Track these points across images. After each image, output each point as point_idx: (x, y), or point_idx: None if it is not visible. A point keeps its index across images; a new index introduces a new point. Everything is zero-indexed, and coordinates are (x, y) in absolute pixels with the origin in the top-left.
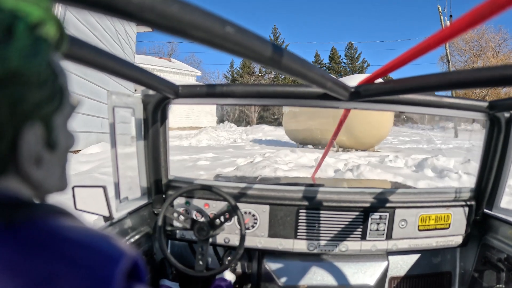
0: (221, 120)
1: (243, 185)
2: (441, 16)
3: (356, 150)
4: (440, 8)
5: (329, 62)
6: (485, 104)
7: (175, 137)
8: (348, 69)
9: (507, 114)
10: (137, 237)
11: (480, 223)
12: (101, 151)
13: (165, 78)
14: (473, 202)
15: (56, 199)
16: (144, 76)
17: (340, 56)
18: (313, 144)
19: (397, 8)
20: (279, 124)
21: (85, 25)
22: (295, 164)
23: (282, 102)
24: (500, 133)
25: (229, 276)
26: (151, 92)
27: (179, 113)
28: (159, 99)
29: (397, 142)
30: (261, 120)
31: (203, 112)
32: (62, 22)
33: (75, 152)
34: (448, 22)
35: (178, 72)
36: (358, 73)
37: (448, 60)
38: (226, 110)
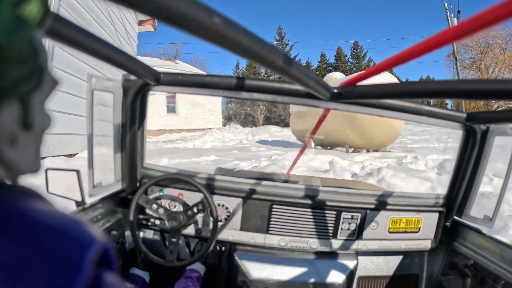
0: (227, 122)
1: (218, 177)
2: (448, 13)
3: (368, 150)
4: (446, 5)
5: (335, 61)
6: (463, 115)
7: (181, 139)
8: (354, 68)
9: (483, 127)
10: (108, 224)
11: (450, 229)
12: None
13: (147, 64)
14: (443, 209)
15: (28, 181)
16: (126, 60)
17: (346, 55)
18: (321, 145)
19: (402, 6)
20: (286, 125)
21: (82, 24)
22: (306, 168)
23: (264, 97)
24: (475, 144)
25: (199, 267)
26: (132, 77)
27: (185, 114)
28: (140, 85)
29: (407, 141)
30: (267, 121)
31: (209, 114)
32: None
33: (70, 156)
34: (455, 19)
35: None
36: None
37: (456, 58)
38: (232, 112)
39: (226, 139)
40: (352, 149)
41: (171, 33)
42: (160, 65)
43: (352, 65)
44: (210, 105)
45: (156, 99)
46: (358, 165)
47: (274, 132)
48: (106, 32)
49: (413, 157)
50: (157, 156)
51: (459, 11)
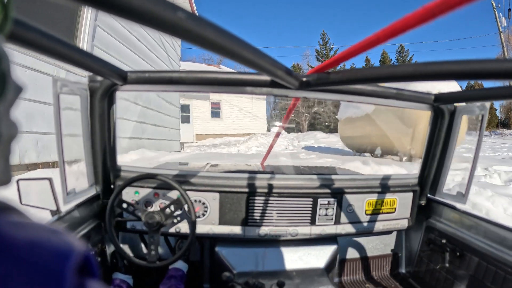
0: (272, 127)
1: (192, 172)
2: (496, 12)
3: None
4: (494, 4)
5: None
6: (431, 96)
7: (224, 143)
8: None
9: (450, 107)
10: (86, 230)
11: (424, 207)
12: (139, 158)
13: (112, 63)
14: (417, 188)
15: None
16: (90, 60)
17: (391, 59)
18: (371, 152)
19: None
20: (331, 131)
21: (125, 27)
22: None
23: (233, 89)
24: (443, 124)
25: (182, 265)
26: (98, 78)
27: (230, 119)
28: (106, 86)
29: (460, 150)
30: (311, 127)
31: (253, 119)
32: (6, 2)
33: None
34: (504, 18)
35: None
36: None
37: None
38: (277, 118)
39: None
40: (406, 158)
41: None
42: (204, 70)
43: None
44: (255, 111)
45: (201, 104)
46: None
47: (320, 138)
48: (148, 34)
49: (483, 169)
50: (201, 161)
51: (510, 9)
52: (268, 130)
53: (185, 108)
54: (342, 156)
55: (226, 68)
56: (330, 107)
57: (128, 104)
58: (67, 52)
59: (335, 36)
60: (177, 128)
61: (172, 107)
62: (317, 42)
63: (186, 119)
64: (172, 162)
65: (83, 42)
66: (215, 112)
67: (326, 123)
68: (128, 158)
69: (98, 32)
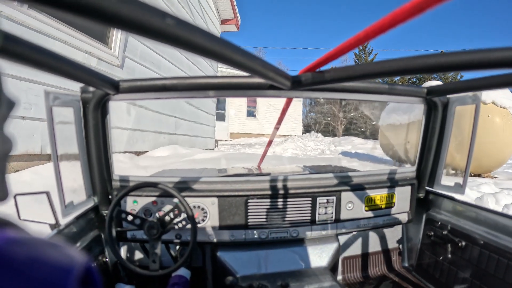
0: (306, 130)
1: (189, 179)
2: None
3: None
4: None
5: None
6: (423, 90)
7: (259, 143)
8: (439, 79)
9: (443, 99)
10: (87, 242)
11: (423, 200)
12: (170, 154)
13: (103, 73)
14: (415, 181)
15: None
16: (82, 72)
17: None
18: (412, 164)
19: (488, 12)
20: (366, 137)
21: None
22: None
23: (226, 93)
24: (437, 116)
25: (185, 272)
26: (91, 88)
27: (265, 119)
28: (99, 96)
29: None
30: (346, 132)
31: (289, 120)
32: None
33: (138, 153)
34: None
35: None
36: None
37: None
38: (312, 121)
39: (307, 147)
40: (454, 172)
41: (255, 35)
42: (198, 75)
43: (437, 76)
44: (291, 112)
45: (236, 102)
46: (490, 199)
47: (358, 144)
48: None
49: None
50: (235, 162)
51: None
52: (303, 132)
53: (220, 106)
54: (384, 165)
55: None
56: (366, 113)
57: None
58: (58, 65)
59: (375, 41)
60: (212, 125)
61: (209, 101)
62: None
63: (221, 117)
64: (168, 170)
65: (115, 50)
66: (251, 111)
67: (362, 129)
68: (158, 154)
69: (130, 42)
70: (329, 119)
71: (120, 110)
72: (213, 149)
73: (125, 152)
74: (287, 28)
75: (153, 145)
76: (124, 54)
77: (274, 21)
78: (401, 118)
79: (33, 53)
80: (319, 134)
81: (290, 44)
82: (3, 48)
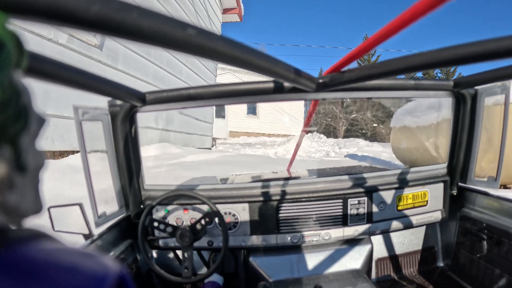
0: (308, 130)
1: (219, 186)
2: None
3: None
4: None
5: (422, 75)
6: (450, 83)
7: (260, 143)
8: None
9: (471, 91)
10: (120, 251)
11: (457, 197)
12: (158, 154)
13: (129, 86)
14: (447, 178)
15: (33, 222)
16: (109, 86)
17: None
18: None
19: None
20: (367, 139)
21: (164, 5)
22: None
23: (252, 99)
24: (466, 109)
25: (217, 278)
26: (118, 102)
27: (267, 118)
28: (126, 109)
29: None
30: (347, 133)
31: (291, 120)
32: (21, 37)
33: None
34: None
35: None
36: None
37: None
38: (313, 121)
39: (311, 149)
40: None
41: (257, 26)
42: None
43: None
44: (293, 111)
45: None
46: None
47: (364, 146)
48: (187, 15)
49: None
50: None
51: None
52: (306, 133)
53: None
54: (397, 169)
55: None
56: (368, 115)
57: (144, 85)
58: (84, 81)
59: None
60: (209, 122)
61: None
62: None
63: (220, 114)
64: (198, 177)
65: None
66: (252, 108)
67: (363, 131)
68: (143, 154)
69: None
70: (329, 119)
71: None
72: (210, 149)
73: (96, 151)
74: (292, 23)
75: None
76: None
77: (280, 14)
78: (418, 120)
79: (60, 71)
80: (322, 135)
81: (294, 40)
82: (30, 68)
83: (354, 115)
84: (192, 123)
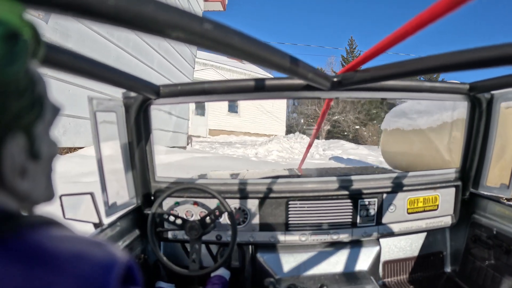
0: (289, 131)
1: (231, 181)
2: None
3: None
4: None
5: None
6: (465, 86)
7: (240, 142)
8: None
9: (487, 95)
10: (128, 241)
11: (468, 203)
12: (113, 154)
13: (144, 79)
14: (459, 182)
15: (45, 209)
16: (124, 78)
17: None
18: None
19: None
20: (349, 141)
21: None
22: None
23: (265, 95)
24: (482, 114)
25: (224, 272)
26: (132, 94)
27: (248, 117)
28: (141, 101)
29: None
30: (329, 135)
31: (273, 120)
32: (38, 28)
33: (67, 150)
34: None
35: (250, 74)
36: None
37: None
38: (295, 121)
39: (294, 150)
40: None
41: (242, 17)
42: (225, 64)
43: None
44: (275, 111)
45: None
46: None
47: (349, 149)
48: None
49: None
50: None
51: None
52: (287, 133)
53: None
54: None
55: (249, 64)
56: (351, 117)
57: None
58: (100, 72)
59: (363, 44)
60: (185, 118)
61: (182, 76)
62: (344, 49)
63: (199, 111)
64: (211, 173)
65: None
66: (233, 106)
67: (345, 133)
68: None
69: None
70: (311, 120)
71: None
72: (185, 148)
73: (109, 142)
74: (279, 16)
75: (88, 140)
76: None
77: (266, 7)
78: (414, 123)
79: (75, 62)
80: (305, 136)
81: (279, 38)
82: (46, 58)
83: (336, 117)
84: (165, 118)
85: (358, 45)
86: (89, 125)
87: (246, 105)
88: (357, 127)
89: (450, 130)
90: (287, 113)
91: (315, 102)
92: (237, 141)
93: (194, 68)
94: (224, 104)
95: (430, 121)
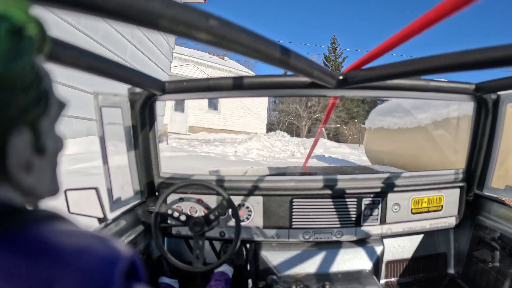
0: (269, 129)
1: (235, 178)
2: None
3: None
4: None
5: None
6: (471, 86)
7: (219, 140)
8: None
9: (493, 96)
10: (132, 236)
11: (472, 204)
12: (76, 152)
13: (150, 75)
14: (464, 184)
15: (49, 203)
16: (129, 74)
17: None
18: None
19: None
20: (330, 139)
21: None
22: None
23: (270, 93)
24: (487, 114)
25: (227, 269)
26: (137, 89)
27: (228, 114)
28: (146, 97)
29: None
30: (310, 133)
31: (254, 117)
32: (43, 23)
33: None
34: None
35: (231, 71)
36: None
37: None
38: (276, 119)
39: (275, 148)
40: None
41: (224, 8)
42: (207, 59)
43: None
44: (256, 109)
45: None
46: None
47: (331, 147)
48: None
49: None
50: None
51: None
52: (268, 131)
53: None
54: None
55: (231, 60)
56: (331, 115)
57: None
58: (105, 67)
59: (346, 43)
60: (159, 114)
61: (158, 69)
62: (327, 48)
63: (179, 107)
64: (215, 169)
65: None
66: (214, 103)
67: (326, 131)
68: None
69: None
70: (293, 118)
71: None
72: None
73: (114, 137)
74: (261, 11)
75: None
76: None
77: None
78: (400, 121)
79: (81, 57)
80: (286, 134)
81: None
82: (52, 53)
83: (317, 115)
84: None
85: (341, 44)
86: (73, 123)
87: (227, 102)
88: (338, 125)
89: (437, 129)
90: (268, 110)
91: (296, 100)
92: (216, 138)
93: (171, 62)
94: (204, 101)
95: (417, 120)
